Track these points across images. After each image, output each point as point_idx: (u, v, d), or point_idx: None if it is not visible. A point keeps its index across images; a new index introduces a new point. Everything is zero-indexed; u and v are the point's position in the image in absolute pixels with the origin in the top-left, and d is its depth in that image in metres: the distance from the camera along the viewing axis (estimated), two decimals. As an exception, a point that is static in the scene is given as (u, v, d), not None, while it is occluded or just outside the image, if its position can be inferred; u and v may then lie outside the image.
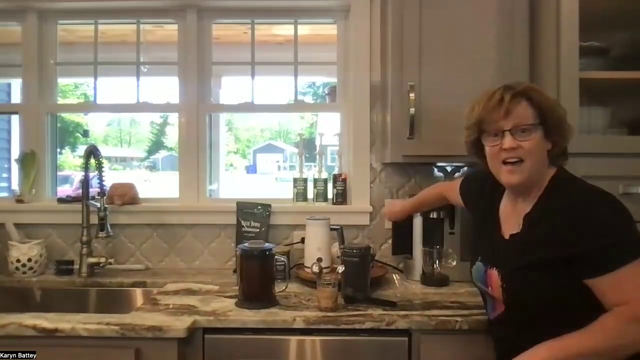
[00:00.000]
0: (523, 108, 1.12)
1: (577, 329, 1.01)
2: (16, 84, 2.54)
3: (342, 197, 2.06)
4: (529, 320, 1.11)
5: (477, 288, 1.30)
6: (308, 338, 1.37)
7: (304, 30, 2.22)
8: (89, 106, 2.51)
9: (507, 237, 1.20)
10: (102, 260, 1.89)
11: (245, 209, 2.01)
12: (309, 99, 5.28)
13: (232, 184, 3.24)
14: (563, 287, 1.05)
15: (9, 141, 2.86)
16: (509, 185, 1.17)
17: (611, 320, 0.99)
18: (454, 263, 1.73)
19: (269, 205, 2.02)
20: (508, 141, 1.11)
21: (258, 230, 1.99)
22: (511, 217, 1.21)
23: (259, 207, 2.01)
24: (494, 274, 1.17)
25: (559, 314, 1.06)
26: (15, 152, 2.20)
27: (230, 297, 1.58)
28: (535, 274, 1.08)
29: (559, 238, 1.05)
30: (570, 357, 1.00)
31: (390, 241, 1.93)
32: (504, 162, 1.14)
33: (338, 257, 1.71)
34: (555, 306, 1.07)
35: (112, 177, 2.08)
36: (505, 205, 1.25)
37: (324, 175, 2.11)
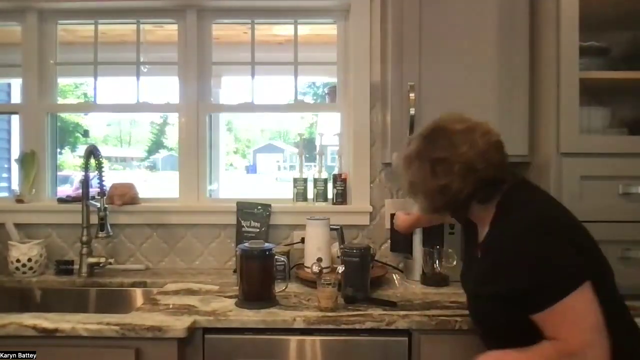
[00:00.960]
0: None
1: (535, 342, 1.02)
2: (16, 84, 2.54)
3: (342, 197, 2.06)
4: (490, 336, 1.19)
5: None
6: (308, 338, 1.37)
7: (304, 30, 2.22)
8: (89, 106, 2.51)
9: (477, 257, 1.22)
10: (102, 260, 1.89)
11: (245, 209, 2.01)
12: (309, 99, 5.28)
13: (232, 184, 3.24)
14: (513, 316, 1.05)
15: (9, 141, 2.86)
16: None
17: (549, 349, 0.99)
18: (454, 263, 1.73)
19: (269, 205, 2.01)
20: None
21: (258, 230, 1.99)
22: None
23: (259, 207, 2.01)
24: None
25: (514, 334, 1.06)
26: (15, 152, 2.20)
27: (230, 297, 1.58)
28: (489, 305, 1.11)
29: (498, 275, 1.06)
30: None
31: (390, 241, 1.93)
32: None
33: (338, 257, 1.71)
34: (510, 330, 1.08)
35: (112, 177, 2.08)
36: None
37: (324, 175, 2.11)
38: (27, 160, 2.10)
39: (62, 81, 2.31)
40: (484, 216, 1.16)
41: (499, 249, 1.06)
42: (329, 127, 2.36)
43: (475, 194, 1.11)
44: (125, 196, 2.04)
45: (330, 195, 2.09)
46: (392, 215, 1.81)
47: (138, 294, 1.82)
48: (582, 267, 0.99)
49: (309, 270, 1.75)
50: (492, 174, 1.10)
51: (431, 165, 1.11)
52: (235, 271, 1.70)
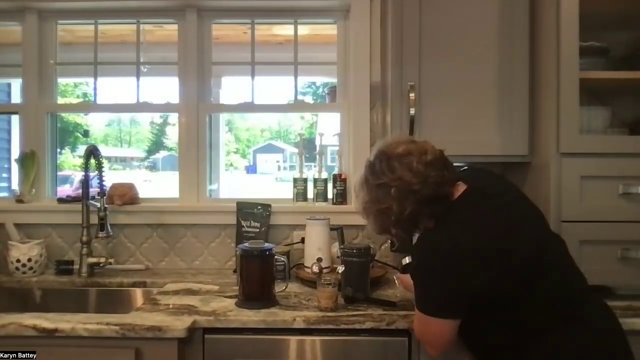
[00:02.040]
0: None
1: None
2: (16, 84, 2.54)
3: (342, 197, 2.06)
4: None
5: None
6: (308, 338, 1.37)
7: (304, 30, 2.22)
8: (89, 106, 2.51)
9: None
10: (102, 260, 1.89)
11: (245, 209, 2.01)
12: (309, 99, 5.28)
13: (232, 184, 3.24)
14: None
15: (9, 141, 2.86)
16: None
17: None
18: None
19: (269, 205, 2.01)
20: None
21: (258, 230, 1.99)
22: None
23: (259, 207, 2.01)
24: None
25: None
26: (15, 152, 2.20)
27: (230, 297, 1.58)
28: None
29: None
30: None
31: (390, 241, 1.93)
32: None
33: (338, 257, 1.71)
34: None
35: (112, 177, 2.08)
36: None
37: (324, 175, 2.11)
38: (27, 160, 2.09)
39: (62, 81, 2.30)
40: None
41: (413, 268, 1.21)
42: (329, 127, 2.36)
43: (421, 212, 1.17)
44: (125, 196, 2.04)
45: (330, 195, 2.09)
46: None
47: (138, 294, 1.82)
48: (450, 305, 1.13)
49: (309, 270, 1.75)
50: (431, 192, 1.15)
51: (374, 190, 1.21)
52: (235, 271, 1.70)
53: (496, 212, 1.16)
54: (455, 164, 1.99)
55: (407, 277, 1.36)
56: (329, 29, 2.21)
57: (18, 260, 1.87)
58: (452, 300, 1.12)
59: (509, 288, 1.10)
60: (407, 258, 1.50)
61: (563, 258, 1.19)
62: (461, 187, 1.21)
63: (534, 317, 1.12)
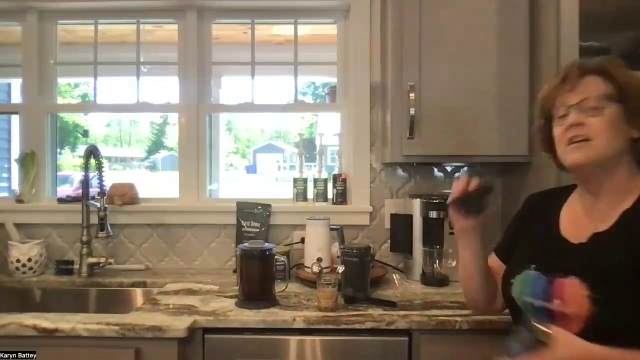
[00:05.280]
0: (595, 83, 0.98)
1: None
2: (16, 84, 2.54)
3: (342, 197, 2.06)
4: (612, 338, 0.86)
5: (519, 304, 1.03)
6: (308, 338, 1.37)
7: (304, 30, 2.22)
8: (89, 106, 2.51)
9: (576, 242, 1.01)
10: (102, 260, 1.89)
11: (245, 209, 2.01)
12: (309, 99, 5.29)
13: (232, 184, 3.24)
14: None
15: (9, 141, 2.86)
16: (574, 163, 0.98)
17: None
18: (454, 263, 1.73)
19: (269, 205, 2.01)
20: (572, 117, 0.97)
21: (258, 230, 1.99)
22: (581, 221, 1.04)
23: (259, 207, 2.01)
24: (571, 283, 0.93)
25: None
26: (15, 152, 2.20)
27: (230, 297, 1.58)
28: (635, 274, 0.88)
29: None
30: None
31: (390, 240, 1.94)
32: (569, 143, 0.99)
33: (338, 257, 1.71)
34: None
35: (112, 177, 2.08)
36: (571, 208, 1.08)
37: (324, 175, 2.11)
38: (27, 160, 2.09)
39: (61, 81, 2.30)
40: (612, 174, 0.99)
41: None
42: (329, 127, 2.36)
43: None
44: (125, 196, 2.04)
45: (330, 195, 2.09)
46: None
47: (138, 294, 1.82)
48: None
49: (309, 270, 1.75)
50: None
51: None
52: (235, 271, 1.70)
53: None
54: (455, 164, 2.01)
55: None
56: (329, 29, 2.21)
57: (18, 260, 1.87)
58: None
59: None
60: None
61: None
62: None
63: None
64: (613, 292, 0.88)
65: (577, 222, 1.04)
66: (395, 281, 1.81)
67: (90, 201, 1.90)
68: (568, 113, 0.99)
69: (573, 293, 0.92)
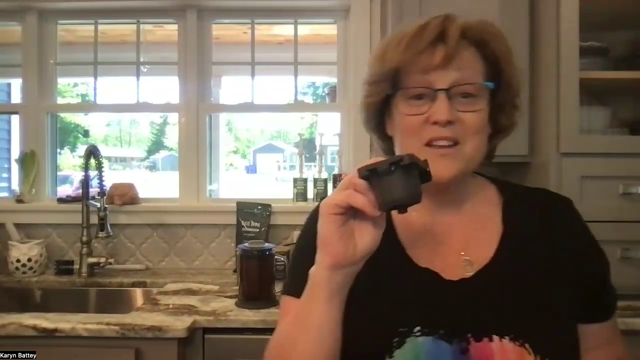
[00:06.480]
0: (473, 57, 0.71)
1: None
2: (16, 84, 2.54)
3: (342, 197, 2.05)
4: None
5: None
6: (308, 338, 1.37)
7: (304, 30, 2.22)
8: (89, 106, 2.51)
9: (454, 277, 0.69)
10: (102, 260, 1.89)
11: (245, 209, 2.01)
12: (309, 99, 5.29)
13: (232, 184, 3.24)
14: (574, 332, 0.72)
15: (9, 141, 2.87)
16: (441, 179, 0.67)
17: None
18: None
19: (269, 205, 2.01)
20: (443, 109, 0.66)
21: (258, 230, 1.99)
22: (437, 247, 0.73)
23: (259, 207, 2.01)
24: (499, 347, 0.63)
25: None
26: (15, 152, 2.20)
27: (230, 297, 1.58)
28: (562, 322, 0.69)
29: (570, 264, 0.75)
30: None
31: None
32: (430, 144, 0.68)
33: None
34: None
35: (112, 177, 2.08)
36: (410, 231, 0.75)
37: (324, 175, 2.11)
38: (27, 160, 2.09)
39: (60, 81, 2.31)
40: (468, 184, 0.77)
41: (566, 231, 0.80)
42: (329, 127, 2.36)
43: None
44: (125, 196, 2.04)
45: (330, 195, 2.08)
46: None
47: (138, 294, 1.82)
48: None
49: (309, 270, 1.74)
50: (509, 132, 0.80)
51: None
52: (235, 271, 1.70)
53: None
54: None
55: None
56: (329, 29, 2.21)
57: (18, 260, 1.87)
58: None
59: None
60: None
61: None
62: None
63: None
64: (558, 344, 0.67)
65: (435, 246, 0.74)
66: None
67: (90, 201, 1.90)
68: (431, 97, 0.69)
69: None
